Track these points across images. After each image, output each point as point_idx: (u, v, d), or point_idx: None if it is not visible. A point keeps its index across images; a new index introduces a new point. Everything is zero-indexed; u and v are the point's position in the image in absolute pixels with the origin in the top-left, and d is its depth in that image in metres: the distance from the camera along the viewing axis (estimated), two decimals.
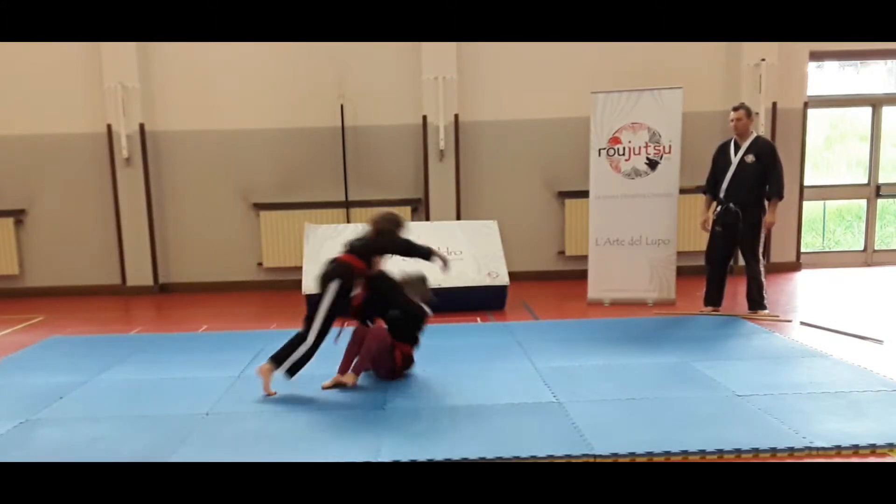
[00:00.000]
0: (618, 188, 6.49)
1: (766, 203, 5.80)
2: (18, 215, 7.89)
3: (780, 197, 5.82)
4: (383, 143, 7.93)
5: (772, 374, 4.26)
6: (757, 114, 7.27)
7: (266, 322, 6.24)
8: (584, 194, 6.93)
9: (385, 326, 4.32)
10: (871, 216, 8.53)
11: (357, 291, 4.23)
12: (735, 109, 5.83)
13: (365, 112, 7.86)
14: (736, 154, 5.83)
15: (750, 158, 5.77)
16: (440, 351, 4.96)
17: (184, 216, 8.01)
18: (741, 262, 6.15)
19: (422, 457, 3.13)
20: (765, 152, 5.79)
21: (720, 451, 3.15)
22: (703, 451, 3.15)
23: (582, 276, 6.91)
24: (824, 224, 9.09)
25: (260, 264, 8.05)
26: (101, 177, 7.83)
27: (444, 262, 4.32)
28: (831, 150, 9.14)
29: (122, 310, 7.29)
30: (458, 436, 3.39)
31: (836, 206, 9.15)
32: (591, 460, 3.10)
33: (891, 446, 3.17)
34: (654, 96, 6.39)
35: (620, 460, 3.10)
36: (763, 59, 7.68)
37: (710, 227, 6.02)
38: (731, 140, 5.94)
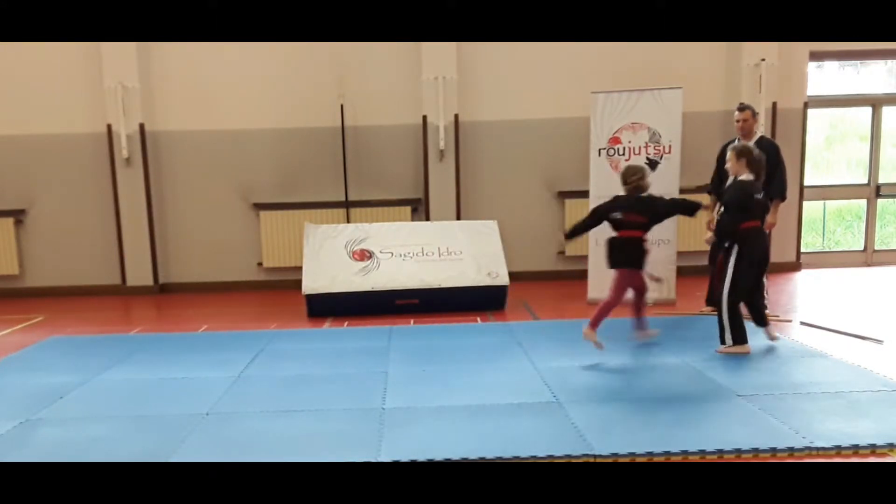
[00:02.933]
0: (618, 188, 6.42)
1: (769, 203, 5.79)
2: (18, 215, 7.89)
3: (783, 198, 5.81)
4: (383, 143, 7.93)
5: (772, 374, 4.26)
6: (757, 114, 7.27)
7: (266, 322, 6.24)
8: (584, 194, 6.91)
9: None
10: (871, 216, 8.54)
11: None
12: (741, 110, 5.80)
13: (365, 112, 7.86)
14: None
15: None
16: (440, 351, 4.97)
17: (184, 216, 8.02)
18: None
19: (422, 457, 3.13)
20: (768, 153, 5.76)
21: (720, 451, 3.15)
22: (703, 451, 3.15)
23: (582, 276, 6.91)
24: (824, 224, 9.09)
25: (260, 264, 8.05)
26: (101, 177, 7.83)
27: None
28: (831, 150, 9.15)
29: (122, 310, 7.29)
30: (458, 436, 3.39)
31: (836, 206, 9.16)
32: (591, 460, 3.10)
33: (891, 446, 3.17)
34: (654, 96, 6.39)
35: (620, 460, 3.10)
36: (763, 59, 7.68)
37: (714, 228, 6.01)
38: (734, 140, 5.93)
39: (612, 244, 4.92)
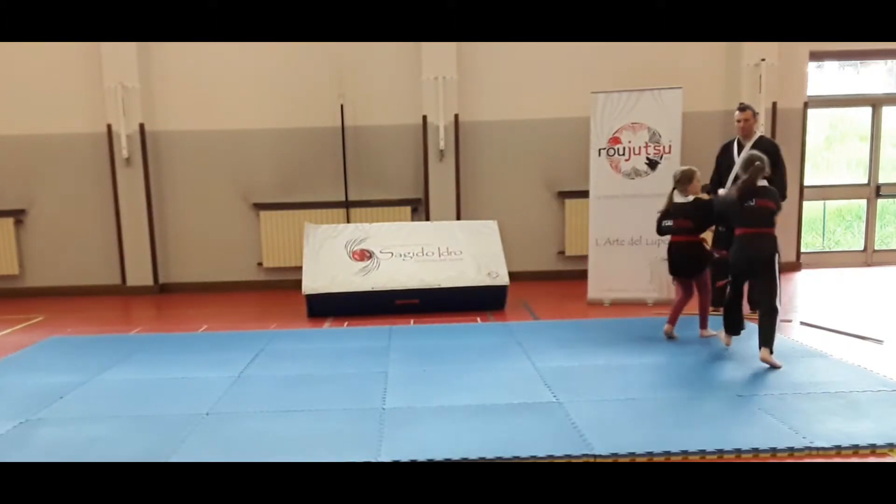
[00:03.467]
0: (618, 188, 6.48)
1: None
2: (18, 215, 7.89)
3: (783, 198, 5.80)
4: (383, 143, 7.93)
5: (772, 374, 4.26)
6: (757, 114, 7.28)
7: (266, 322, 6.24)
8: (584, 194, 6.93)
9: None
10: (871, 216, 8.54)
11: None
12: (742, 110, 5.79)
13: (365, 112, 7.86)
14: (739, 154, 5.82)
15: None
16: (440, 351, 4.97)
17: (184, 216, 8.02)
18: None
19: (422, 457, 3.13)
20: (768, 153, 5.75)
21: (720, 451, 3.15)
22: (703, 451, 3.15)
23: (582, 276, 6.91)
24: (824, 224, 9.09)
25: (260, 264, 8.06)
26: (101, 177, 7.83)
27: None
28: (831, 150, 9.15)
29: (122, 310, 7.29)
30: (458, 436, 3.39)
31: (836, 206, 9.16)
32: (591, 460, 3.10)
33: (891, 446, 3.17)
34: (654, 96, 6.39)
35: (620, 460, 3.10)
36: (763, 59, 7.68)
37: (713, 228, 6.01)
38: (734, 140, 5.93)
39: (671, 251, 5.13)
